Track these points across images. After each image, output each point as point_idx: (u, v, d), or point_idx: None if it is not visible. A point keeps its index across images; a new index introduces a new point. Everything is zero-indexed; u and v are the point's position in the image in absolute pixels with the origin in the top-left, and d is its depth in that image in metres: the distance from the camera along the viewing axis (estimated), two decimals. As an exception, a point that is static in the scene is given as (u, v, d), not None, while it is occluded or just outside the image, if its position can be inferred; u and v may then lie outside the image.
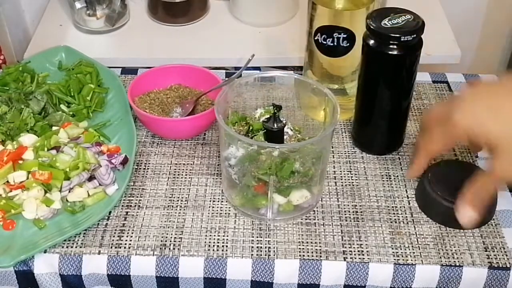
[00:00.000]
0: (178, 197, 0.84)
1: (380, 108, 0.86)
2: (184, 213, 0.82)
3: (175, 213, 0.82)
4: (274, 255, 0.77)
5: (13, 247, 0.76)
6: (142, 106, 0.93)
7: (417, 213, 0.82)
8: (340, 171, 0.88)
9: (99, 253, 0.77)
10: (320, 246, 0.78)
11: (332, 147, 0.91)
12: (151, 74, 0.97)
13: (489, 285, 0.76)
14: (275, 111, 0.78)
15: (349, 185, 0.86)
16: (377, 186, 0.86)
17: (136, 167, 0.88)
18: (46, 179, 0.81)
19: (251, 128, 0.83)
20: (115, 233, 0.79)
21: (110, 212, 0.82)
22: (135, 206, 0.83)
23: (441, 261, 0.76)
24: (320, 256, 0.77)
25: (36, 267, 0.76)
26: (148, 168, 0.88)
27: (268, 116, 0.80)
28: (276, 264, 0.76)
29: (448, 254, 0.77)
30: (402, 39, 0.78)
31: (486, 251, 0.77)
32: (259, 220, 0.81)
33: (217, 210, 0.82)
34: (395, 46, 0.79)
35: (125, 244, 0.78)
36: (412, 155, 0.71)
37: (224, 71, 1.07)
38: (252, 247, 0.78)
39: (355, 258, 0.77)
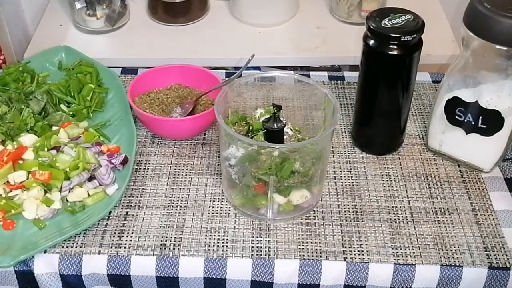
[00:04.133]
0: (178, 197, 0.84)
1: (380, 108, 0.86)
2: (184, 213, 0.82)
3: (175, 213, 0.82)
4: (274, 255, 0.77)
5: (13, 247, 0.76)
6: (142, 106, 0.93)
7: (417, 213, 0.82)
8: (340, 171, 0.88)
9: (99, 253, 0.77)
10: (320, 246, 0.78)
11: (332, 147, 0.91)
12: (151, 74, 0.97)
13: (489, 285, 0.76)
14: (275, 111, 0.78)
15: (349, 185, 0.86)
16: (377, 186, 0.86)
17: (136, 167, 0.88)
18: (46, 179, 0.81)
19: (251, 128, 0.83)
20: (115, 233, 0.79)
21: (110, 212, 0.82)
22: (135, 206, 0.83)
23: (441, 261, 0.76)
24: (320, 256, 0.77)
25: (36, 267, 0.76)
26: (148, 168, 0.88)
27: (268, 116, 0.80)
28: (276, 264, 0.76)
29: (448, 254, 0.77)
30: (402, 39, 0.78)
31: (486, 251, 0.77)
32: (259, 220, 0.81)
33: (217, 210, 0.82)
34: (395, 46, 0.79)
35: (125, 244, 0.78)
36: None
37: (224, 71, 1.07)
38: (252, 247, 0.78)
39: (355, 258, 0.77)
